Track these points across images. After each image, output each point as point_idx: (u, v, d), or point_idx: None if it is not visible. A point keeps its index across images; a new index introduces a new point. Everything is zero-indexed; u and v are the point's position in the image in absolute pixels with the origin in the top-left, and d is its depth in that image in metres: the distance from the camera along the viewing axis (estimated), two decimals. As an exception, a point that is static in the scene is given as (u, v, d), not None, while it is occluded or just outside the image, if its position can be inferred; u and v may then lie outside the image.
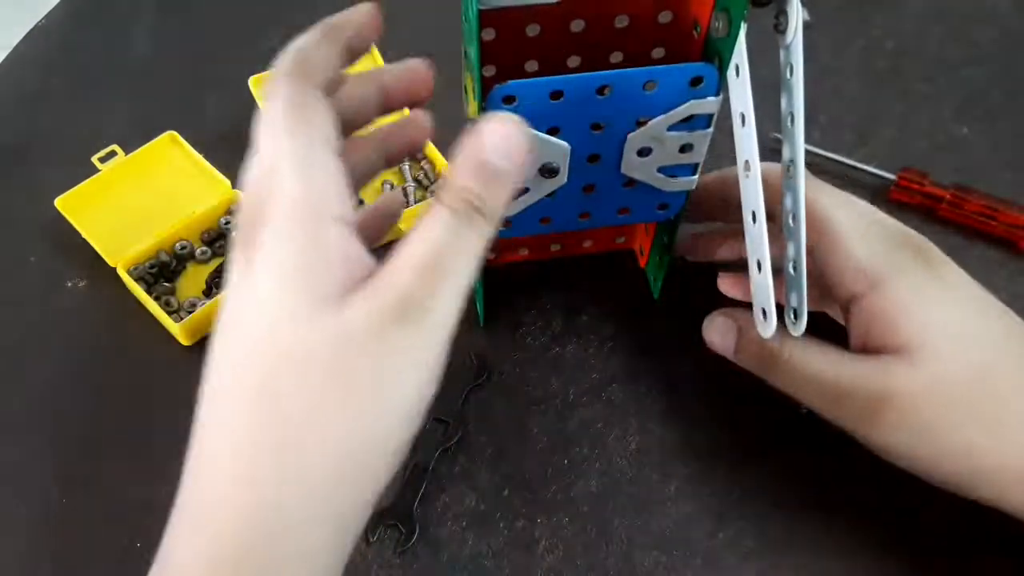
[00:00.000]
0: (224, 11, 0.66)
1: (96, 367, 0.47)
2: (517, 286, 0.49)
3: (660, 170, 0.38)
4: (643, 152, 0.37)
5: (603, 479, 0.42)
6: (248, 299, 0.26)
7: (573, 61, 0.39)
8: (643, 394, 0.45)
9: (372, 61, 0.55)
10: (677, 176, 0.38)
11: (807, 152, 0.35)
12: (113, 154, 0.52)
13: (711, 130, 0.36)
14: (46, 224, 0.52)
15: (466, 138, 0.27)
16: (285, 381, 0.25)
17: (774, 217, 0.36)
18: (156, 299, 0.48)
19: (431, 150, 0.54)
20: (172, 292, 0.50)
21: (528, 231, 0.40)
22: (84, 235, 0.49)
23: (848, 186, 0.54)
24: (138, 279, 0.49)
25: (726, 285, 0.44)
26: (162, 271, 0.50)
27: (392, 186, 0.54)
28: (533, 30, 0.37)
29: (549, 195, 0.38)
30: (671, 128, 0.36)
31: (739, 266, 0.41)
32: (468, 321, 0.48)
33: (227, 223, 0.52)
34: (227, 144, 0.56)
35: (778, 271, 0.36)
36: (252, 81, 0.53)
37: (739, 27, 0.33)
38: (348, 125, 0.32)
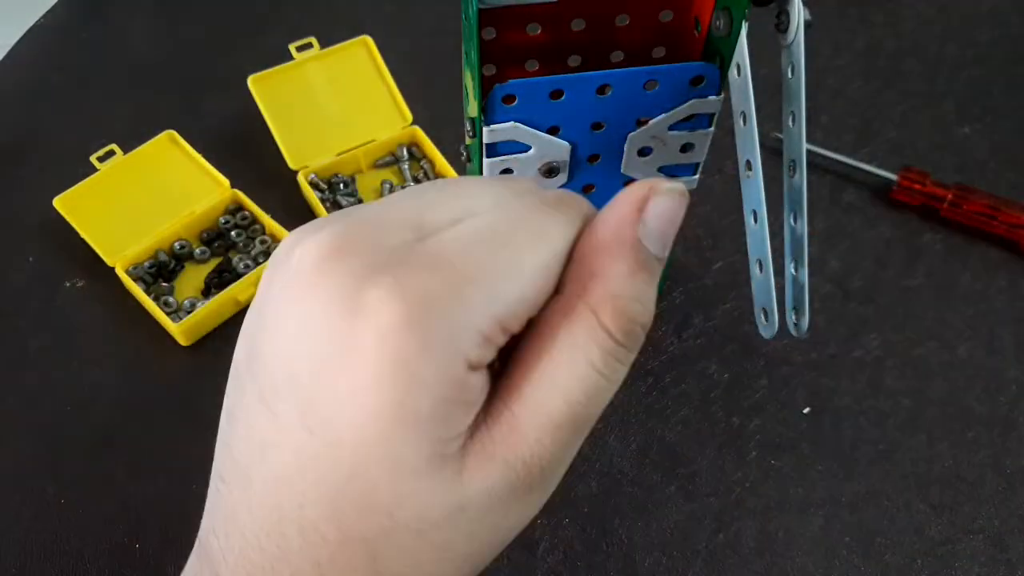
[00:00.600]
0: (223, 10, 0.66)
1: (94, 367, 0.47)
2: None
3: (661, 170, 0.38)
4: (644, 152, 0.37)
5: (603, 479, 0.42)
6: (354, 406, 0.19)
7: (574, 60, 0.39)
8: (644, 394, 0.45)
9: (372, 61, 0.55)
10: (678, 176, 0.38)
11: (808, 152, 0.35)
12: (112, 153, 0.52)
13: (712, 129, 0.36)
14: (44, 224, 0.52)
15: (621, 206, 0.21)
16: (386, 544, 0.20)
17: None
18: (155, 299, 0.48)
19: (430, 149, 0.54)
20: (171, 292, 0.50)
21: (528, 231, 0.40)
22: (82, 235, 0.49)
23: (850, 186, 0.54)
24: (136, 279, 0.49)
25: None
26: (161, 271, 0.50)
27: (392, 185, 0.54)
28: (533, 29, 0.37)
29: (549, 195, 0.38)
30: (672, 127, 0.35)
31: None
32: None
33: (226, 223, 0.52)
34: (226, 143, 0.56)
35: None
36: (251, 80, 0.53)
37: (740, 26, 0.32)
38: None
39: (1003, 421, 0.44)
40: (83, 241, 0.49)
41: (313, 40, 0.55)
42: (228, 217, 0.52)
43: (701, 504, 0.42)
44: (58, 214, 0.50)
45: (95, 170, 0.51)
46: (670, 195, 0.21)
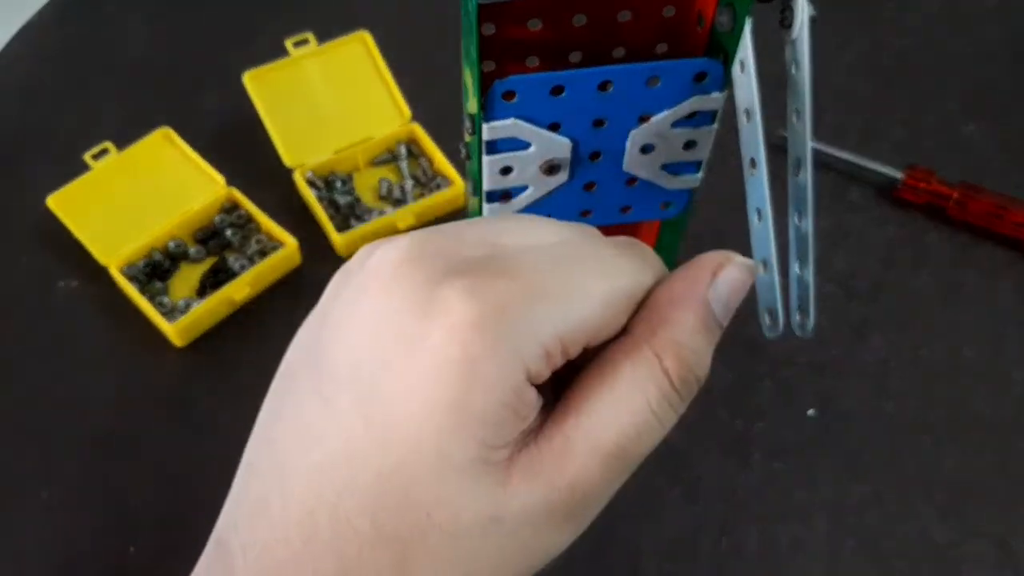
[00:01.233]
0: (218, 6, 0.66)
1: (88, 368, 0.47)
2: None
3: (663, 167, 0.37)
4: (646, 149, 0.36)
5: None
6: (413, 397, 0.19)
7: (575, 56, 0.38)
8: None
9: (370, 57, 0.54)
10: (681, 174, 0.38)
11: (813, 150, 0.35)
12: (105, 151, 0.51)
13: (716, 126, 0.36)
14: (37, 223, 0.51)
15: (698, 267, 0.23)
16: (418, 545, 0.20)
17: None
18: (149, 299, 0.47)
19: (429, 146, 0.53)
20: (165, 292, 0.49)
21: (528, 230, 0.40)
22: (76, 234, 0.49)
23: (854, 184, 0.53)
24: (131, 278, 0.48)
25: None
26: (155, 270, 0.49)
27: (390, 184, 0.53)
28: (534, 24, 0.36)
29: (550, 193, 0.37)
30: (675, 124, 0.35)
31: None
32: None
33: (221, 222, 0.51)
34: (221, 141, 0.56)
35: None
36: (247, 77, 0.53)
37: (744, 22, 0.32)
38: None
39: (1010, 423, 0.43)
40: (76, 240, 0.49)
41: (310, 36, 0.54)
42: (223, 216, 0.52)
43: (705, 508, 0.41)
44: (51, 213, 0.49)
45: (88, 168, 0.51)
46: (741, 268, 0.23)
